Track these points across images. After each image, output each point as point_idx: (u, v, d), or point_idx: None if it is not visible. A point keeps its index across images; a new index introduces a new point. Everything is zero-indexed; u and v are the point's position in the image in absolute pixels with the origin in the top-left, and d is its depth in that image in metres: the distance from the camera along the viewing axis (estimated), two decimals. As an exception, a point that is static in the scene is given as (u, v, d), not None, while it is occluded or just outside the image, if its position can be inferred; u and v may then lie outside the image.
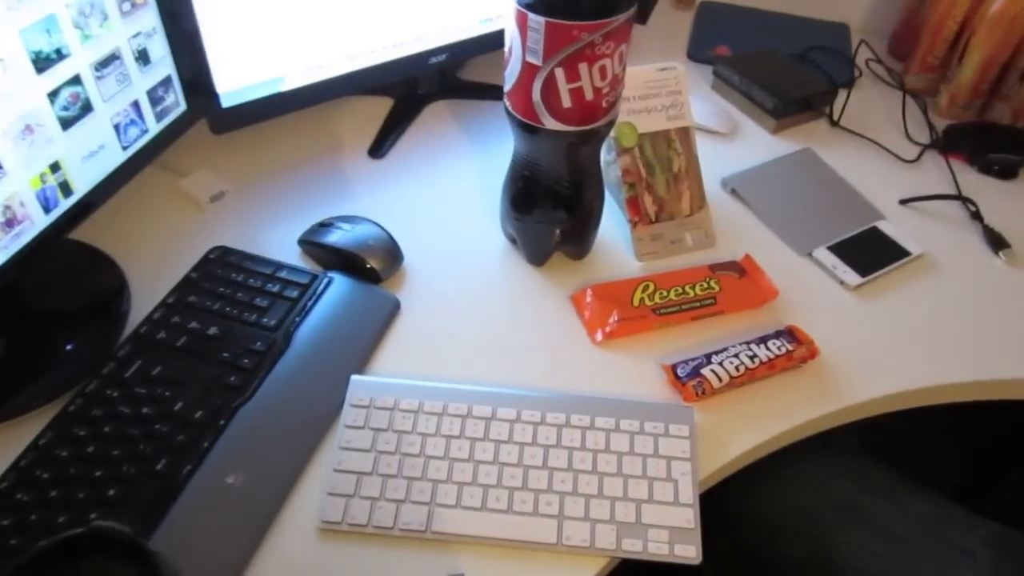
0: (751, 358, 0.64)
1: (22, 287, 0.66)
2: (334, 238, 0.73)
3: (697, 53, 1.09)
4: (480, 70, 1.00)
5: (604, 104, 0.64)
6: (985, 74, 0.96)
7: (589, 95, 0.63)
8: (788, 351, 0.65)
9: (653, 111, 0.77)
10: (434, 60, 0.88)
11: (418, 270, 0.75)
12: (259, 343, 0.65)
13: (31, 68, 0.57)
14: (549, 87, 0.62)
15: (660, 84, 0.78)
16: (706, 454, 0.60)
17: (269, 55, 0.76)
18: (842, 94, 0.99)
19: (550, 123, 0.64)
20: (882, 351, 0.70)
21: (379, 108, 0.94)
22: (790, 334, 0.67)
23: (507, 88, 0.65)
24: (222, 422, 0.59)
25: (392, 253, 0.74)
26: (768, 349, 0.65)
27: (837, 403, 0.65)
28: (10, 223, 0.59)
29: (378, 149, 0.89)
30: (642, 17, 1.16)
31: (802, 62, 1.07)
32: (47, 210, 0.62)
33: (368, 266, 0.71)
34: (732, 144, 0.93)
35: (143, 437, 0.58)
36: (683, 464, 0.58)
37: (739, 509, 0.72)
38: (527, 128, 0.66)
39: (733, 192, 0.85)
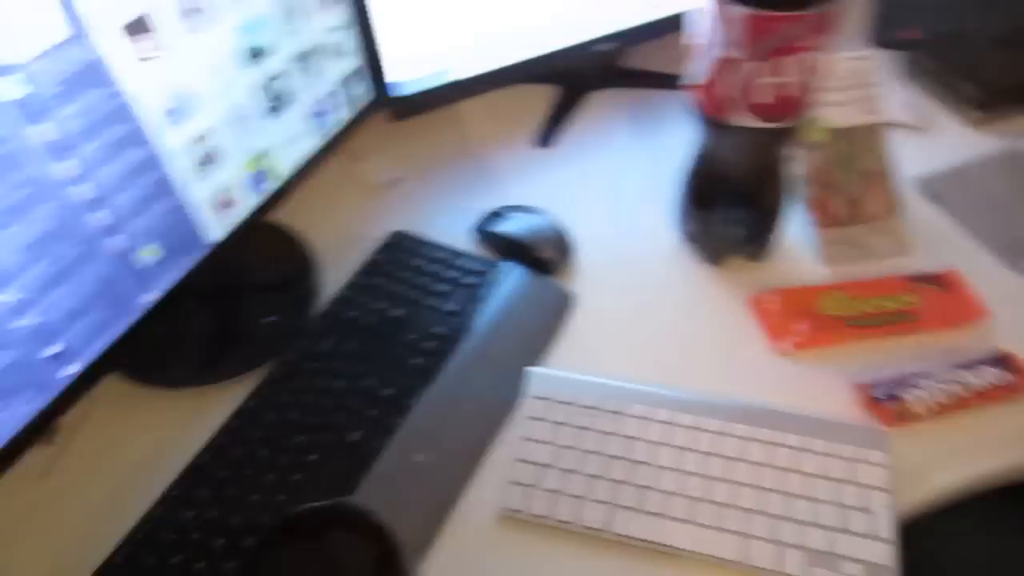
0: (961, 384, 0.60)
1: (228, 263, 0.70)
2: (508, 227, 0.74)
3: (883, 37, 1.01)
4: (645, 57, 0.97)
5: (805, 99, 0.60)
6: None
7: (791, 90, 0.60)
8: (1003, 381, 0.60)
9: (845, 104, 0.73)
10: (600, 48, 0.86)
11: (590, 263, 0.74)
12: (441, 327, 0.66)
13: (244, 62, 0.60)
14: (748, 82, 0.59)
15: (852, 75, 0.73)
16: (903, 487, 0.56)
17: (438, 46, 0.77)
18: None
19: (746, 120, 0.61)
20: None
21: (546, 96, 0.93)
22: (1005, 361, 0.62)
23: (697, 82, 0.62)
24: (410, 401, 0.61)
25: (565, 245, 0.73)
26: (980, 376, 0.60)
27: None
28: (227, 204, 0.63)
29: (546, 138, 0.89)
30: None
31: (1008, 44, 0.97)
32: (255, 192, 0.65)
33: (542, 257, 0.71)
34: (927, 140, 0.86)
35: (337, 408, 0.61)
36: (881, 495, 0.55)
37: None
38: (718, 124, 0.63)
39: (930, 194, 0.79)
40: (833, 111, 0.73)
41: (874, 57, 0.73)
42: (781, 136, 0.64)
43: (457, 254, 0.72)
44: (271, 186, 0.67)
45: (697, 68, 0.62)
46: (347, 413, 0.61)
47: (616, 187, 0.82)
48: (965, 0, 1.05)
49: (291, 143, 0.68)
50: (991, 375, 0.60)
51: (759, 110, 0.61)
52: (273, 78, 0.64)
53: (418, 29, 0.75)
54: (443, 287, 0.69)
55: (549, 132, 0.89)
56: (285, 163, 0.68)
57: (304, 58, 0.67)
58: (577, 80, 0.95)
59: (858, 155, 0.73)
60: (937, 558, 0.64)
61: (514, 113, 0.91)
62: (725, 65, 0.60)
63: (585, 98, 0.94)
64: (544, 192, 0.81)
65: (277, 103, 0.65)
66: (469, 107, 0.90)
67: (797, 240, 0.74)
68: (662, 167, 0.80)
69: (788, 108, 0.61)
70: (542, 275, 0.71)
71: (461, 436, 0.60)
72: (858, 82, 0.73)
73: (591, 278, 0.73)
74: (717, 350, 0.66)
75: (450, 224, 0.77)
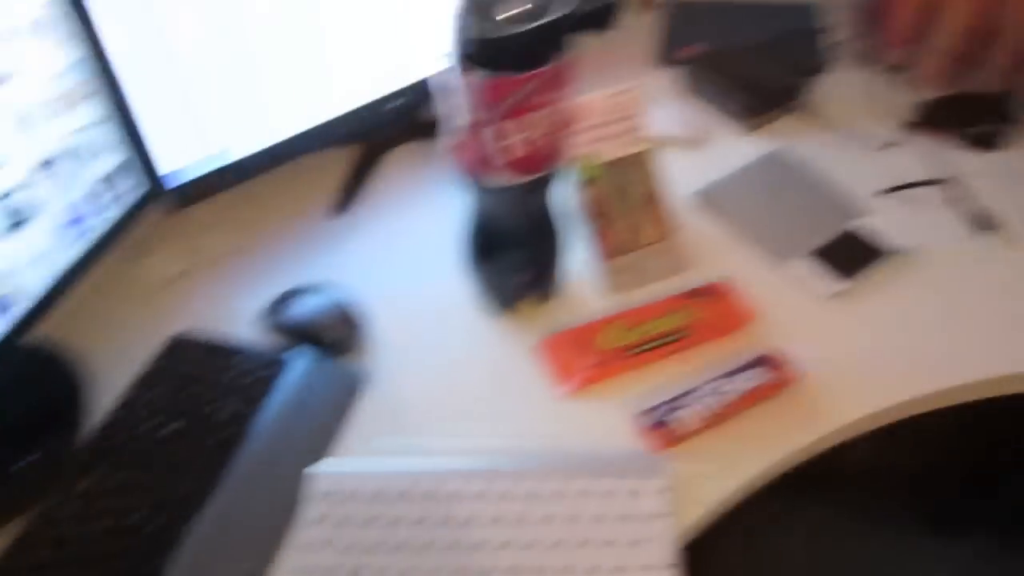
0: (722, 395, 0.62)
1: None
2: (294, 312, 0.73)
3: (667, 56, 1.06)
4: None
5: (555, 148, 0.62)
6: (964, 40, 0.92)
7: (541, 142, 0.61)
8: (763, 381, 0.63)
9: (611, 138, 0.75)
10: (391, 106, 0.87)
11: (387, 334, 0.74)
12: (214, 439, 0.63)
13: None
14: (498, 141, 0.61)
15: (616, 109, 0.75)
16: (685, 505, 0.58)
17: (213, 126, 0.75)
18: (818, 81, 0.95)
19: (504, 177, 0.63)
20: (868, 363, 0.67)
21: (344, 160, 0.92)
22: (765, 361, 0.65)
23: (451, 144, 0.63)
24: (180, 531, 0.58)
25: (353, 322, 0.72)
26: (740, 382, 0.63)
27: (821, 428, 0.63)
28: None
29: (343, 206, 0.88)
30: (604, 25, 1.14)
31: (773, 53, 1.03)
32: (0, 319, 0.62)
33: (329, 340, 0.70)
34: (706, 151, 0.90)
35: (100, 558, 0.56)
36: (662, 522, 0.56)
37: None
38: (476, 182, 0.64)
39: (708, 206, 0.83)
40: (602, 146, 0.75)
41: (637, 89, 0.75)
42: (542, 185, 0.66)
43: (239, 351, 0.70)
44: (21, 309, 0.64)
45: (449, 131, 0.63)
46: (110, 561, 0.56)
47: (414, 246, 0.82)
48: (736, 16, 1.12)
49: (42, 258, 0.65)
50: (753, 377, 0.63)
51: (514, 166, 0.62)
52: (7, 194, 0.61)
53: (189, 111, 0.73)
54: (221, 392, 0.66)
55: (346, 199, 0.89)
56: (36, 281, 0.65)
57: (49, 165, 0.64)
58: (376, 139, 0.94)
59: (631, 184, 0.76)
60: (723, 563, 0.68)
61: (311, 182, 0.90)
62: (474, 127, 0.61)
63: (386, 156, 0.94)
64: (340, 264, 0.80)
65: (18, 218, 0.62)
66: (263, 182, 0.88)
67: (584, 275, 0.76)
68: (460, 217, 0.80)
69: (541, 160, 0.63)
70: (332, 357, 0.70)
71: (236, 563, 0.56)
72: (623, 115, 0.76)
73: (388, 350, 0.72)
74: (510, 401, 0.67)
75: (240, 316, 0.75)
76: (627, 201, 0.76)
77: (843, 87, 0.98)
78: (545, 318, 0.73)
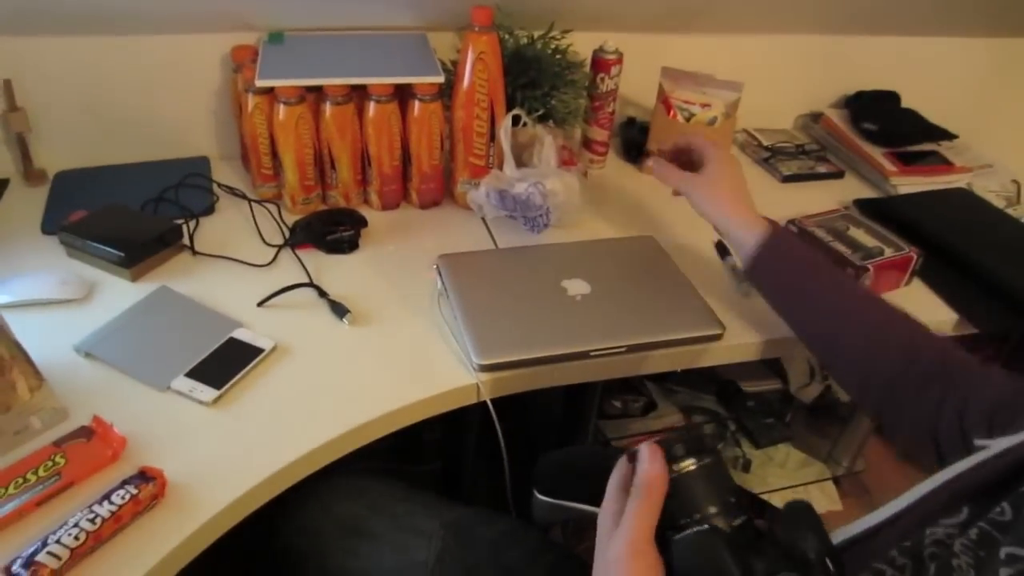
0: (92, 520, 0.65)
1: None
2: None
3: (50, 226, 1.09)
4: None
5: None
6: (303, 171, 1.13)
7: None
8: (133, 496, 0.68)
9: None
10: None
11: None
12: None
13: None
14: None
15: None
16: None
17: None
18: (201, 222, 1.08)
19: None
20: (236, 455, 0.76)
21: None
22: (140, 476, 0.70)
23: None
24: None
25: None
26: (111, 503, 0.67)
27: (190, 527, 0.69)
28: None
29: None
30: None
31: (157, 204, 1.13)
32: None
33: None
34: (89, 307, 0.95)
35: None
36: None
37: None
38: None
39: (88, 355, 0.86)
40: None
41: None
42: None
43: None
44: None
45: None
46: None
47: None
48: (126, 176, 1.20)
49: None
50: (125, 495, 0.67)
51: None
52: None
53: None
54: None
55: None
56: None
57: None
58: None
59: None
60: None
61: None
62: None
63: None
64: None
65: None
66: None
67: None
68: None
69: None
70: None
71: None
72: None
73: None
74: None
75: None
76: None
77: (229, 225, 1.12)
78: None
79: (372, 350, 0.92)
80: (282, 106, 1.07)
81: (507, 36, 1.19)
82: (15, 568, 0.62)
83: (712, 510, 0.49)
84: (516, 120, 1.15)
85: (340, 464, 0.82)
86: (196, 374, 0.84)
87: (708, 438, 0.51)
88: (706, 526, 0.48)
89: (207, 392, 0.82)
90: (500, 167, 1.14)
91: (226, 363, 0.86)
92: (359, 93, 1.10)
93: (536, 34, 1.23)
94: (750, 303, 1.05)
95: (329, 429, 0.80)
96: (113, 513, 0.66)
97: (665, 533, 0.49)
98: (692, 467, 0.50)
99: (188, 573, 0.70)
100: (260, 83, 1.06)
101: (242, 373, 0.85)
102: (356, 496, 0.88)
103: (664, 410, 1.46)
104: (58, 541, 0.64)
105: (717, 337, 0.99)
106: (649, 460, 0.49)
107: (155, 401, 0.82)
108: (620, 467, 0.54)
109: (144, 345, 0.88)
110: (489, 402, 0.89)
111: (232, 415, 0.81)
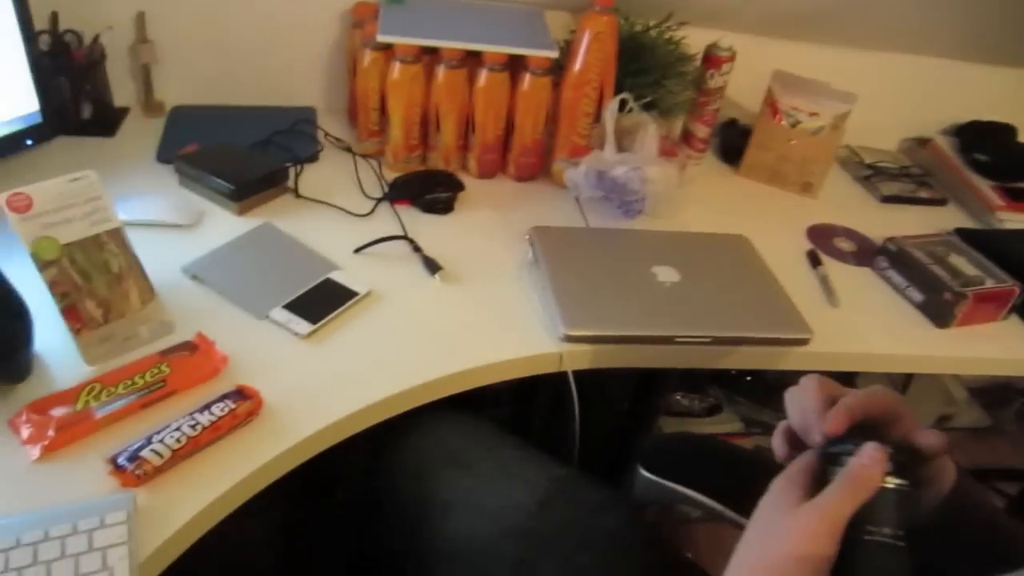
0: (193, 426, 0.68)
1: None
2: None
3: (166, 155, 1.14)
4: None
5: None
6: (408, 130, 1.15)
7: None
8: (232, 409, 0.71)
9: (73, 220, 0.79)
10: None
11: None
12: None
13: None
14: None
15: (75, 194, 0.79)
16: (150, 533, 0.62)
17: None
18: (306, 168, 1.11)
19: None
20: (329, 386, 0.79)
21: None
22: (238, 393, 0.73)
23: None
24: None
25: None
26: (211, 413, 0.70)
27: (283, 445, 0.72)
28: None
29: None
30: (109, 129, 1.18)
31: (266, 146, 1.17)
32: None
33: None
34: (197, 233, 0.98)
35: None
36: (119, 550, 0.59)
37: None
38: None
39: (195, 277, 0.90)
40: (63, 228, 0.77)
41: (95, 175, 0.80)
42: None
43: None
44: None
45: None
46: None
47: None
48: (236, 118, 1.25)
49: None
50: (225, 407, 0.70)
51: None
52: None
53: None
54: None
55: None
56: None
57: None
58: None
59: (97, 262, 0.79)
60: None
61: None
62: None
63: None
64: None
65: None
66: None
67: (63, 351, 0.77)
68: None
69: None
70: None
71: None
72: (85, 198, 0.80)
73: None
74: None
75: None
76: (101, 275, 0.79)
77: (330, 174, 1.15)
78: (18, 395, 0.72)
79: (460, 308, 0.93)
80: (398, 64, 1.09)
81: (623, 21, 1.19)
82: (120, 460, 0.66)
83: (900, 532, 0.48)
84: (623, 105, 1.15)
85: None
86: (294, 307, 0.87)
87: (916, 465, 0.50)
88: (903, 544, 0.48)
89: (303, 325, 0.85)
90: (601, 148, 1.14)
91: (322, 301, 0.89)
92: (473, 60, 1.12)
93: (652, 23, 1.23)
94: (838, 315, 1.03)
95: (412, 376, 0.82)
96: (212, 423, 0.69)
97: (849, 532, 0.48)
98: (899, 486, 0.49)
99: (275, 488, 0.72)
100: (381, 38, 1.08)
101: (337, 312, 0.88)
102: (469, 434, 0.89)
103: (727, 415, 1.44)
104: (161, 441, 0.67)
105: (804, 342, 0.97)
106: (870, 459, 0.49)
107: (254, 327, 0.85)
108: (807, 456, 0.53)
109: (247, 274, 0.91)
110: (570, 373, 0.90)
111: (324, 350, 0.84)
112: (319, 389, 0.78)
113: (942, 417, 1.59)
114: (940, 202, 1.41)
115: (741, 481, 0.79)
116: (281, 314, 0.86)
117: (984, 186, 1.40)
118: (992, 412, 1.76)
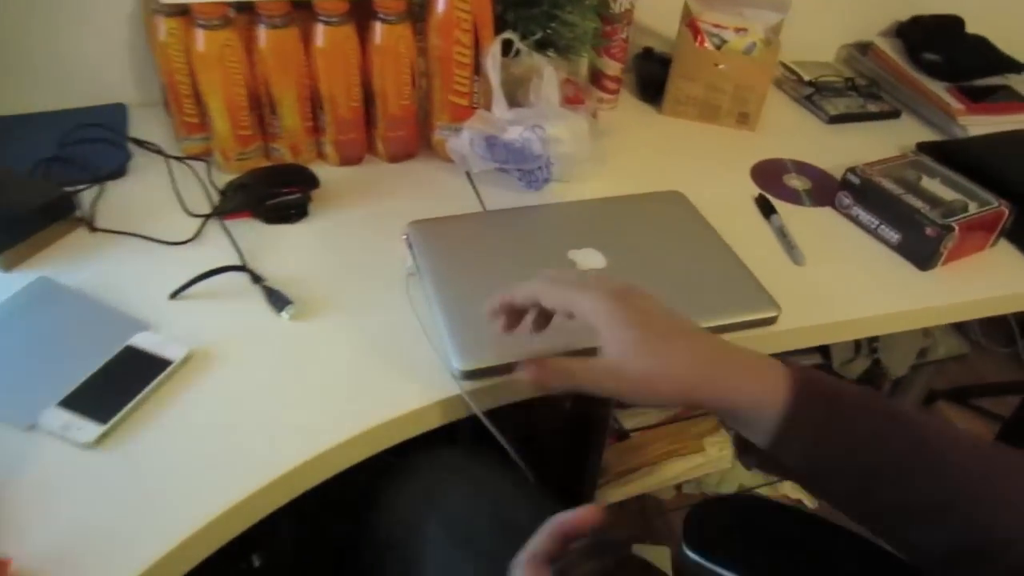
0: None
1: None
2: None
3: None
4: None
5: None
6: (235, 117, 0.88)
7: None
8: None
9: None
10: None
11: None
12: None
13: None
14: None
15: None
16: None
17: None
18: (108, 187, 0.84)
19: None
20: (127, 518, 0.54)
21: None
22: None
23: None
24: None
25: None
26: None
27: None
28: None
29: None
30: None
31: (49, 166, 0.89)
32: None
33: None
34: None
35: None
36: None
37: None
38: None
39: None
40: None
41: None
42: None
43: None
44: None
45: None
46: None
47: None
48: (18, 129, 0.95)
49: None
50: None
51: None
52: None
53: None
54: None
55: None
56: None
57: None
58: None
59: None
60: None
61: None
62: None
63: None
64: None
65: None
66: None
67: None
68: None
69: None
70: None
71: None
72: None
73: None
74: None
75: None
76: None
77: (140, 188, 0.88)
78: None
79: (321, 354, 0.69)
80: (202, 31, 0.82)
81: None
82: None
83: None
84: (507, 47, 0.91)
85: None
86: (74, 403, 0.61)
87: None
88: None
89: (87, 429, 0.59)
90: (488, 108, 0.90)
91: (119, 383, 0.63)
92: (304, 14, 0.85)
93: (531, -63, 0.97)
94: (804, 275, 0.83)
95: (263, 468, 0.58)
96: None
97: None
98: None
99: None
100: None
101: (140, 396, 0.62)
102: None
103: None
104: None
105: (771, 320, 0.76)
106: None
107: (13, 446, 0.59)
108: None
109: (3, 365, 0.65)
110: (482, 416, 0.67)
111: (124, 458, 0.59)
112: (108, 531, 0.53)
113: (921, 351, 1.43)
114: (894, 114, 1.22)
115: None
116: (55, 416, 0.60)
117: (939, 89, 1.21)
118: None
